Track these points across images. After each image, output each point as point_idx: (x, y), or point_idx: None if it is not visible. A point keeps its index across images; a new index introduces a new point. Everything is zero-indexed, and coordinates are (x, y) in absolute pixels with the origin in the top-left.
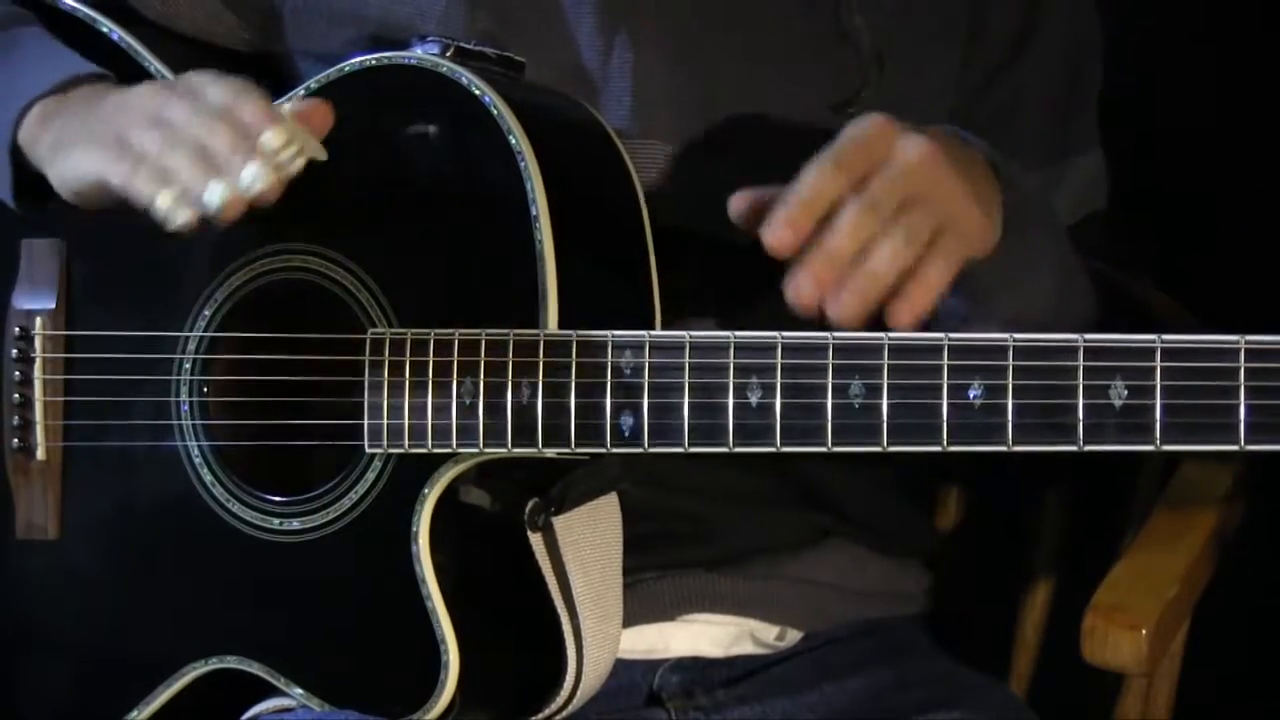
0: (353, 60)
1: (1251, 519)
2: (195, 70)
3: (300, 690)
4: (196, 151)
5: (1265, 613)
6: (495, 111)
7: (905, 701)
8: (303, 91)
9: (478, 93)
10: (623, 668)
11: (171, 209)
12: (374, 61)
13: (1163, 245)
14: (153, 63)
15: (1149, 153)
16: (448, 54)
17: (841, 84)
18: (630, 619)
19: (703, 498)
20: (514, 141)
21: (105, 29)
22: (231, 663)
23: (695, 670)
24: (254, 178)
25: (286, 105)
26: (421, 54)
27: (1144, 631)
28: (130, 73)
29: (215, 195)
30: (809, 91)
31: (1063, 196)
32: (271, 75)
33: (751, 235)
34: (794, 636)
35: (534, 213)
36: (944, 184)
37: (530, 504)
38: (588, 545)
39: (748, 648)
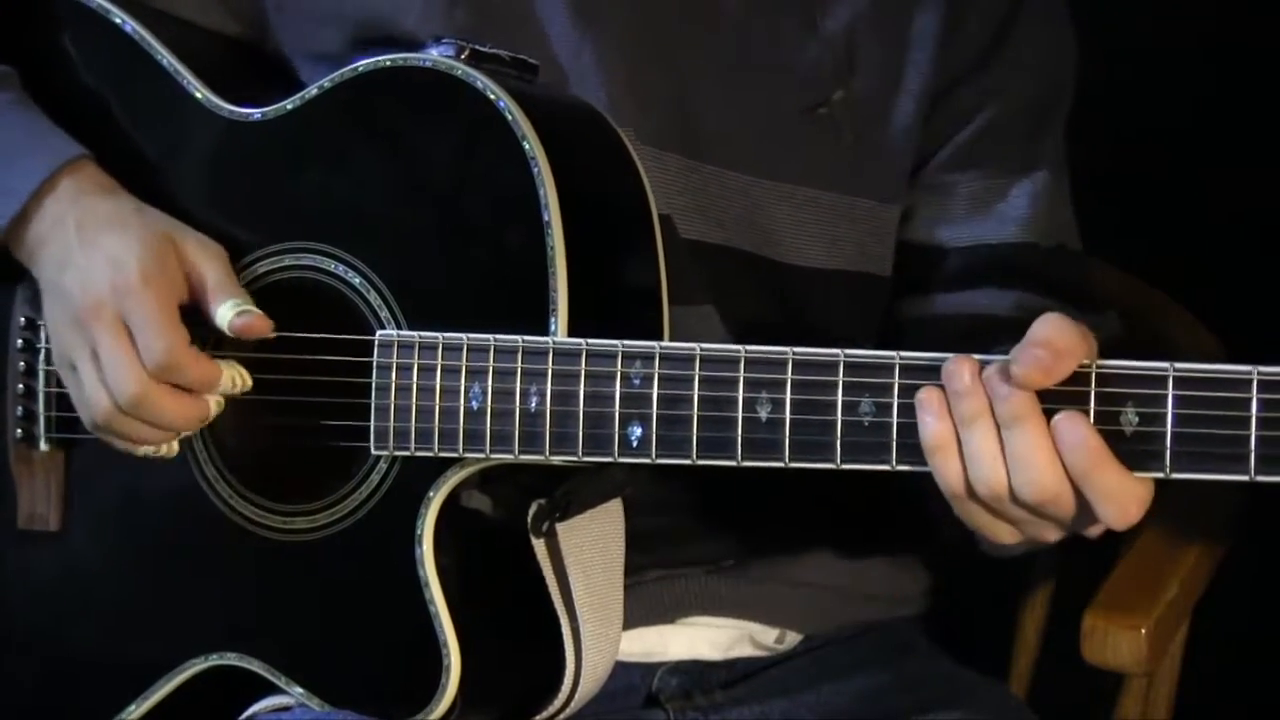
0: (367, 60)
1: (1251, 520)
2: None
3: (300, 689)
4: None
5: (1265, 613)
6: (510, 116)
7: (905, 702)
8: (315, 90)
9: (492, 97)
10: (621, 670)
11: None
12: (388, 62)
13: (1167, 249)
14: (165, 55)
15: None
16: (462, 56)
17: (814, 86)
18: (630, 621)
19: (703, 494)
20: (528, 147)
21: (118, 20)
22: (231, 659)
23: (694, 672)
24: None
25: (230, 315)
26: (436, 56)
27: (1144, 631)
28: (142, 65)
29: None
30: (781, 92)
31: (1013, 209)
32: (268, 67)
33: None
34: (793, 639)
35: (546, 219)
36: None
37: (534, 509)
38: (589, 548)
39: (747, 650)
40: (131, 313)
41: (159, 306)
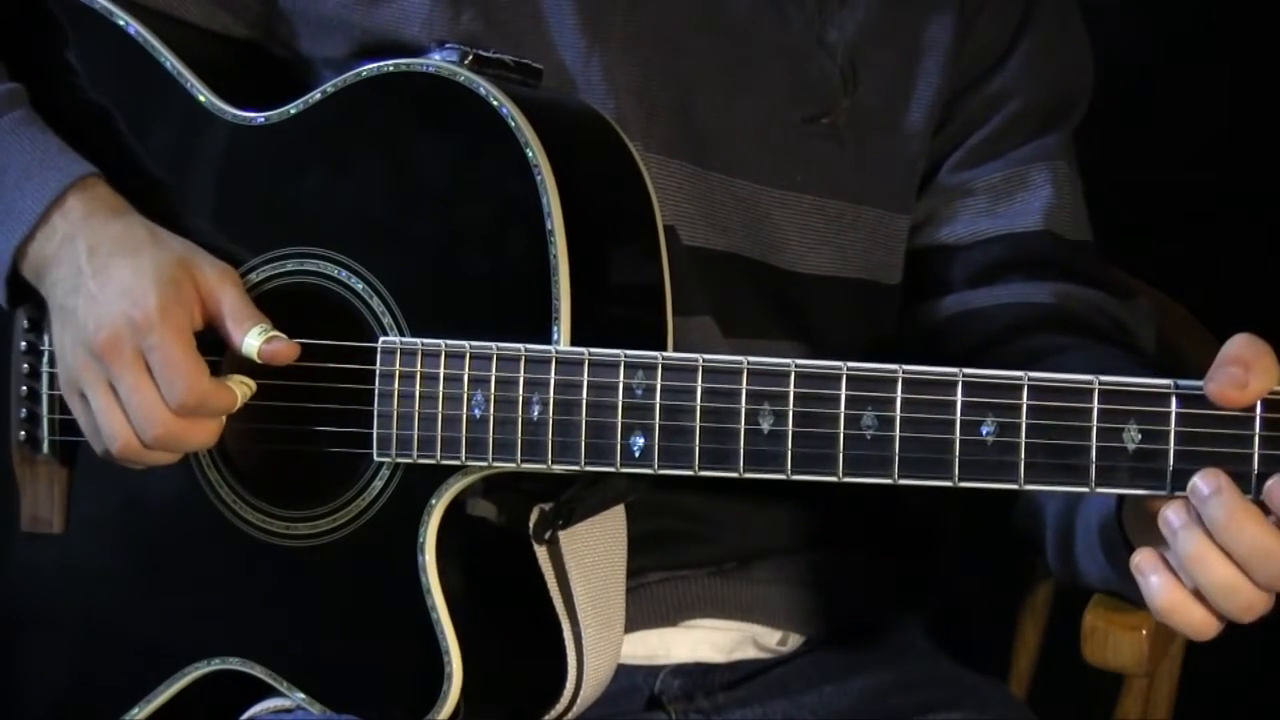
0: (370, 65)
1: None
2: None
3: (302, 695)
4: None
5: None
6: (513, 123)
7: (906, 702)
8: (319, 95)
9: (495, 104)
10: (624, 672)
11: None
12: (391, 68)
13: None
14: (169, 58)
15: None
16: (466, 61)
17: (818, 96)
18: (632, 624)
19: (705, 495)
20: (531, 155)
21: (121, 22)
22: (234, 664)
23: (697, 674)
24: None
25: (257, 343)
26: (440, 61)
27: (1144, 632)
28: (146, 68)
29: None
30: (785, 101)
31: (1037, 198)
32: (272, 69)
33: None
34: (796, 640)
35: (549, 227)
36: None
37: (536, 516)
38: (591, 552)
39: (750, 653)
40: (152, 350)
41: (180, 343)
